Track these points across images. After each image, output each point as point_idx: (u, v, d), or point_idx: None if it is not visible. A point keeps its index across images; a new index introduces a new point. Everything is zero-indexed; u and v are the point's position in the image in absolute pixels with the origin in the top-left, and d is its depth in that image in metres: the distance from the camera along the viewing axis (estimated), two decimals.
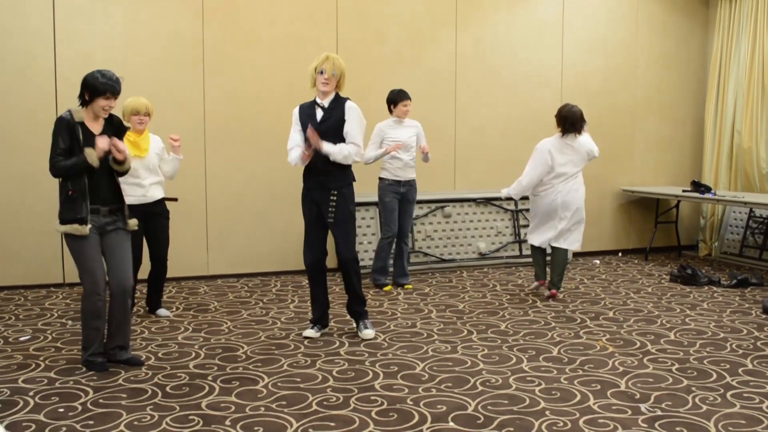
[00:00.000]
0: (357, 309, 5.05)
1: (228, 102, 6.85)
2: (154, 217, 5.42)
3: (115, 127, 4.29)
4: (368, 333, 4.96)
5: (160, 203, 5.47)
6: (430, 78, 7.55)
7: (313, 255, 4.97)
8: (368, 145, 6.38)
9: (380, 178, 6.57)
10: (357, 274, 4.98)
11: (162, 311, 5.63)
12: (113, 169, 4.27)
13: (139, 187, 5.26)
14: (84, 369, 4.23)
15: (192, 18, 6.69)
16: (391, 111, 6.52)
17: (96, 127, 4.19)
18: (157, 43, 6.60)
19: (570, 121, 6.14)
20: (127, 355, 4.37)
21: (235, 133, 6.90)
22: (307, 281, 5.16)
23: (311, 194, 4.87)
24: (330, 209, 4.83)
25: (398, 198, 6.53)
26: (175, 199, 5.74)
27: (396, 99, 6.48)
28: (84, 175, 4.10)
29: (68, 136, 4.09)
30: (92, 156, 4.03)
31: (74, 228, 4.09)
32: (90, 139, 4.12)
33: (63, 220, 4.12)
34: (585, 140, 6.28)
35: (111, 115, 4.29)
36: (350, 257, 4.90)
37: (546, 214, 6.24)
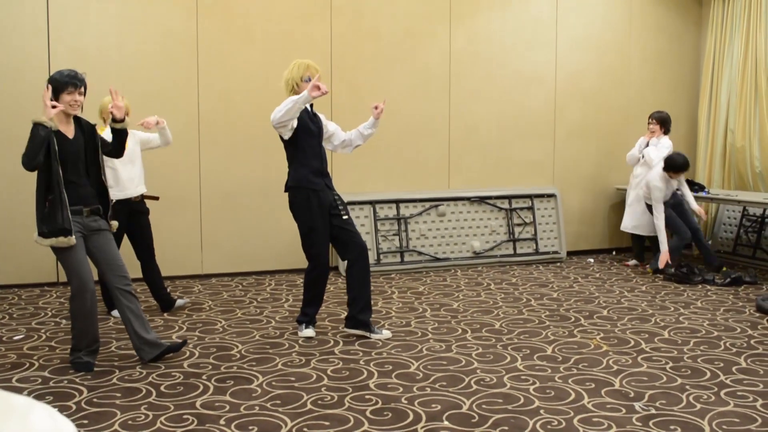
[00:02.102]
0: (367, 318, 4.97)
1: (222, 100, 6.84)
2: (137, 215, 5.44)
3: (86, 131, 4.28)
4: (387, 333, 4.98)
5: (141, 202, 5.50)
6: (424, 75, 7.55)
7: (327, 257, 5.01)
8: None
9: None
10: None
11: (179, 301, 5.72)
12: (115, 133, 4.36)
13: (120, 182, 5.28)
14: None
15: (186, 15, 6.67)
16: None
17: (69, 131, 4.18)
18: (151, 41, 6.58)
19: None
20: (166, 343, 4.39)
21: (229, 131, 6.88)
22: (302, 281, 5.15)
23: (322, 197, 4.87)
24: (340, 207, 4.93)
25: None
26: (156, 198, 5.73)
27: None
28: (60, 183, 4.04)
29: (44, 148, 4.02)
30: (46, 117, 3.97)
31: (59, 241, 4.05)
32: (65, 145, 4.11)
33: (45, 233, 4.06)
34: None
35: (80, 119, 4.28)
36: (365, 245, 4.95)
37: None
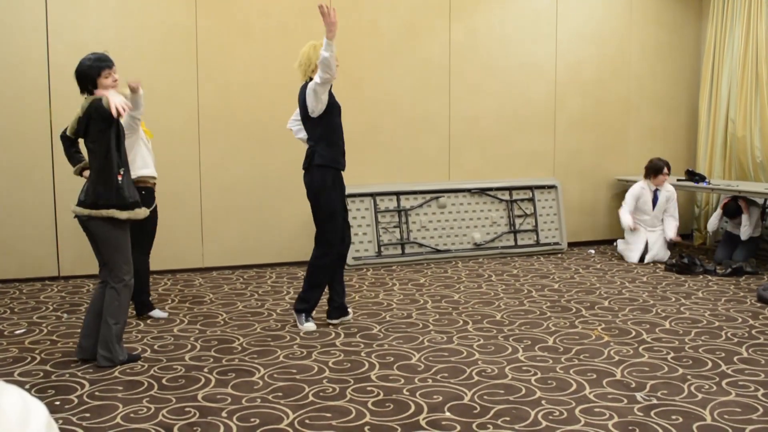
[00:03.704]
0: (343, 302, 5.09)
1: (222, 94, 6.82)
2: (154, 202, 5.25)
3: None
4: (310, 326, 4.98)
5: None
6: (424, 69, 7.53)
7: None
8: None
9: None
10: None
11: (157, 312, 5.28)
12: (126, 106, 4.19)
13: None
14: (79, 363, 4.22)
15: (185, 10, 6.64)
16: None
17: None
18: (150, 35, 6.56)
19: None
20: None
21: (229, 125, 6.87)
22: (303, 274, 5.15)
23: (342, 181, 4.89)
24: (344, 195, 4.96)
25: None
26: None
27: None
28: (124, 162, 4.13)
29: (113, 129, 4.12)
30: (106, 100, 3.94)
31: (137, 213, 4.11)
32: (120, 127, 4.18)
33: (121, 206, 4.04)
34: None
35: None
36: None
37: None
